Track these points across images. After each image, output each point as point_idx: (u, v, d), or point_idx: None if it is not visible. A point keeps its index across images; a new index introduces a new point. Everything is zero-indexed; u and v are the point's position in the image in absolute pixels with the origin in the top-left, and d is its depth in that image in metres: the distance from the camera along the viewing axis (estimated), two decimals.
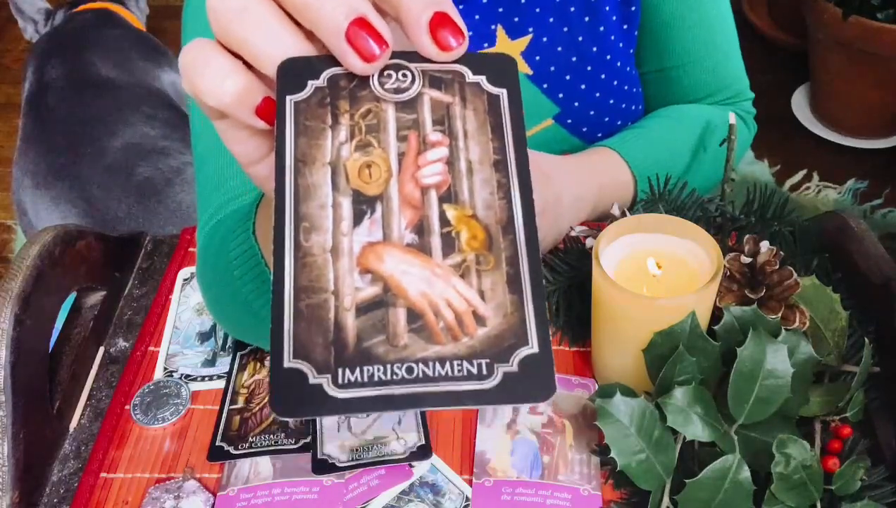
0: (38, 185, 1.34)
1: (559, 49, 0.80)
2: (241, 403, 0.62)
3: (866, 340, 0.56)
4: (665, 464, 0.52)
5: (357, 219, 0.30)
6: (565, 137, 0.83)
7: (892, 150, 1.97)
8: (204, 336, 0.68)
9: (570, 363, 0.65)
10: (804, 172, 1.91)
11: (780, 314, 0.56)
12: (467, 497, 0.56)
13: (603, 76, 0.81)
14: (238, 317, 0.60)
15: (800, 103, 2.10)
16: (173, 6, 2.41)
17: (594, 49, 0.80)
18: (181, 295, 0.72)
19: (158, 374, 0.65)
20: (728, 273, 0.59)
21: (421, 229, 0.30)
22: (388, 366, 0.27)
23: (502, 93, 0.33)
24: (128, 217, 1.26)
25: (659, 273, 0.57)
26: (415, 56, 0.33)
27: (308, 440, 0.59)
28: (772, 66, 2.22)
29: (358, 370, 0.27)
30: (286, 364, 0.27)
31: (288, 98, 0.32)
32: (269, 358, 0.66)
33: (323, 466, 0.57)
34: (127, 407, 0.62)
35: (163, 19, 2.21)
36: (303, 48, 0.32)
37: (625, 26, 0.82)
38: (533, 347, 0.28)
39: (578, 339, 0.66)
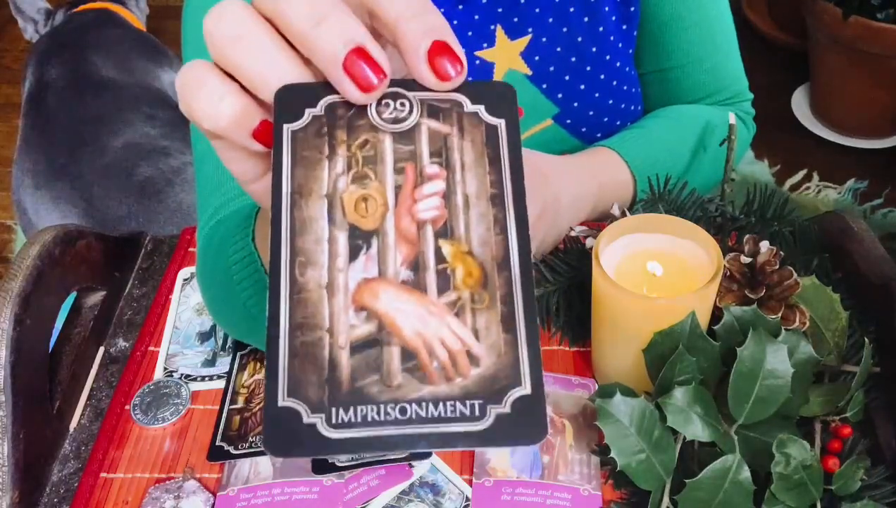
0: (38, 185, 1.34)
1: (558, 49, 0.80)
2: (241, 403, 0.62)
3: (866, 340, 0.56)
4: (665, 464, 0.52)
5: (353, 254, 0.30)
6: (564, 137, 0.83)
7: (892, 150, 1.97)
8: (204, 336, 0.68)
9: (570, 363, 0.65)
10: (804, 172, 1.91)
11: (780, 314, 0.56)
12: (467, 498, 0.56)
13: (602, 76, 0.81)
14: (236, 318, 0.60)
15: (800, 103, 2.10)
16: (173, 6, 2.41)
17: (593, 49, 0.80)
18: (181, 295, 0.72)
19: (158, 374, 0.65)
20: (728, 273, 0.59)
21: (416, 265, 0.30)
22: (382, 406, 0.27)
23: (500, 123, 0.32)
24: (128, 217, 1.26)
25: (659, 273, 0.57)
26: (413, 84, 0.33)
27: None
28: (772, 66, 2.22)
29: (352, 410, 0.27)
30: (280, 403, 0.27)
31: (285, 127, 0.32)
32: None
33: (323, 466, 0.57)
34: (127, 407, 0.62)
35: (163, 19, 2.21)
36: (300, 74, 0.32)
37: (624, 27, 0.82)
38: (526, 388, 0.28)
39: (578, 339, 0.66)
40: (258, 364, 0.65)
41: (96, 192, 1.29)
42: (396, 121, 0.32)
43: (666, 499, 0.52)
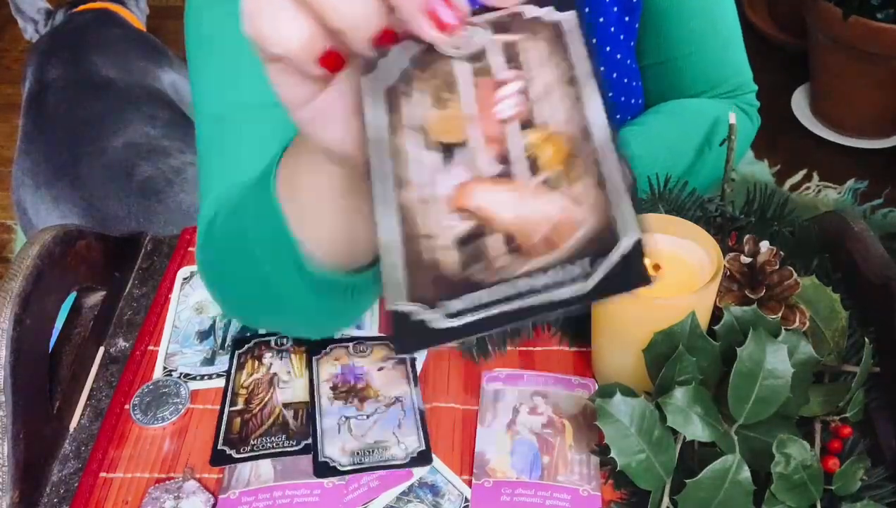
0: (38, 184, 1.34)
1: None
2: (241, 404, 0.62)
3: (866, 340, 0.56)
4: (665, 464, 0.52)
5: (447, 162, 0.32)
6: None
7: (892, 150, 1.97)
8: (203, 335, 0.68)
9: (570, 363, 0.65)
10: (804, 172, 1.91)
11: (780, 314, 0.56)
12: (467, 499, 0.56)
13: (602, 68, 0.81)
14: (246, 290, 0.56)
15: (800, 103, 2.10)
16: (173, 6, 2.41)
17: (593, 40, 0.80)
18: (181, 294, 0.72)
19: (158, 373, 0.65)
20: (728, 273, 0.59)
21: (506, 158, 0.32)
22: (492, 288, 0.29)
23: (564, 18, 0.34)
24: (128, 217, 1.26)
25: (659, 273, 0.57)
26: (480, 10, 0.34)
27: (309, 441, 0.59)
28: (772, 66, 2.21)
29: (464, 298, 0.29)
30: (399, 308, 0.29)
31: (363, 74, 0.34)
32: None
33: (324, 469, 0.57)
34: (127, 407, 0.62)
35: (163, 19, 2.20)
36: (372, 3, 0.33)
37: (626, 18, 0.81)
38: (629, 239, 0.29)
39: (578, 339, 0.66)
40: (257, 363, 0.65)
41: (96, 192, 1.29)
42: (469, 45, 0.34)
43: (666, 499, 0.52)
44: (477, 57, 0.34)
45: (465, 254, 0.30)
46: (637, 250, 0.29)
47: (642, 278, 0.29)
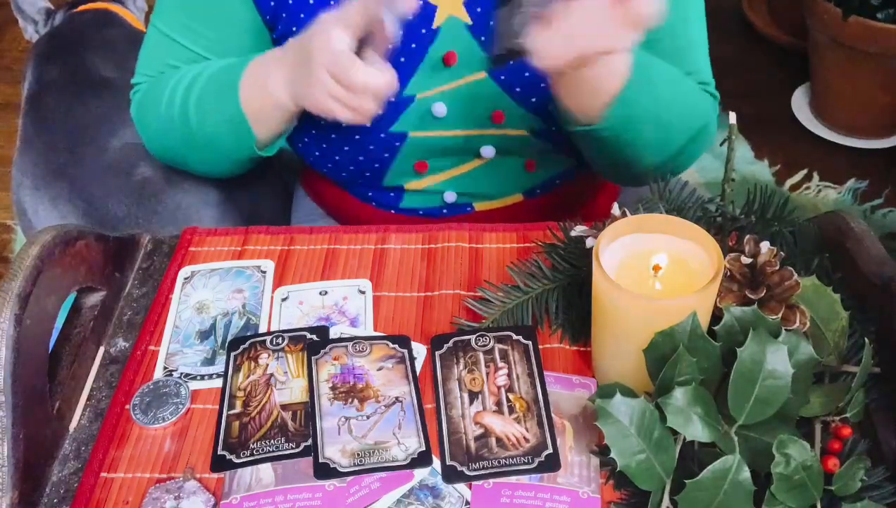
0: (37, 185, 1.34)
1: None
2: (238, 407, 0.62)
3: (866, 340, 0.56)
4: (665, 464, 0.52)
5: (471, 401, 0.61)
6: (497, 93, 0.83)
7: (892, 150, 1.97)
8: (204, 335, 0.68)
9: (570, 362, 0.65)
10: (804, 172, 1.91)
11: (780, 315, 0.56)
12: (467, 501, 0.56)
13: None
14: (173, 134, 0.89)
15: (800, 103, 2.10)
16: None
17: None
18: (181, 294, 0.72)
19: (158, 373, 0.65)
20: (728, 274, 0.59)
21: (499, 404, 0.61)
22: (489, 461, 0.57)
23: (529, 344, 0.65)
24: (128, 217, 1.26)
25: (659, 274, 0.57)
26: (490, 329, 0.66)
27: (309, 442, 0.59)
28: (772, 66, 2.21)
29: (477, 463, 0.57)
30: (448, 463, 0.58)
31: (437, 354, 0.65)
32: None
33: (325, 470, 0.57)
34: (127, 407, 0.62)
35: None
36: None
37: None
38: (549, 449, 0.58)
39: (578, 339, 0.66)
40: (253, 364, 0.65)
41: (96, 192, 1.28)
42: (484, 346, 0.65)
43: (666, 500, 0.52)
44: (489, 352, 0.64)
45: (479, 444, 0.59)
46: (552, 455, 0.58)
47: (555, 467, 0.57)
